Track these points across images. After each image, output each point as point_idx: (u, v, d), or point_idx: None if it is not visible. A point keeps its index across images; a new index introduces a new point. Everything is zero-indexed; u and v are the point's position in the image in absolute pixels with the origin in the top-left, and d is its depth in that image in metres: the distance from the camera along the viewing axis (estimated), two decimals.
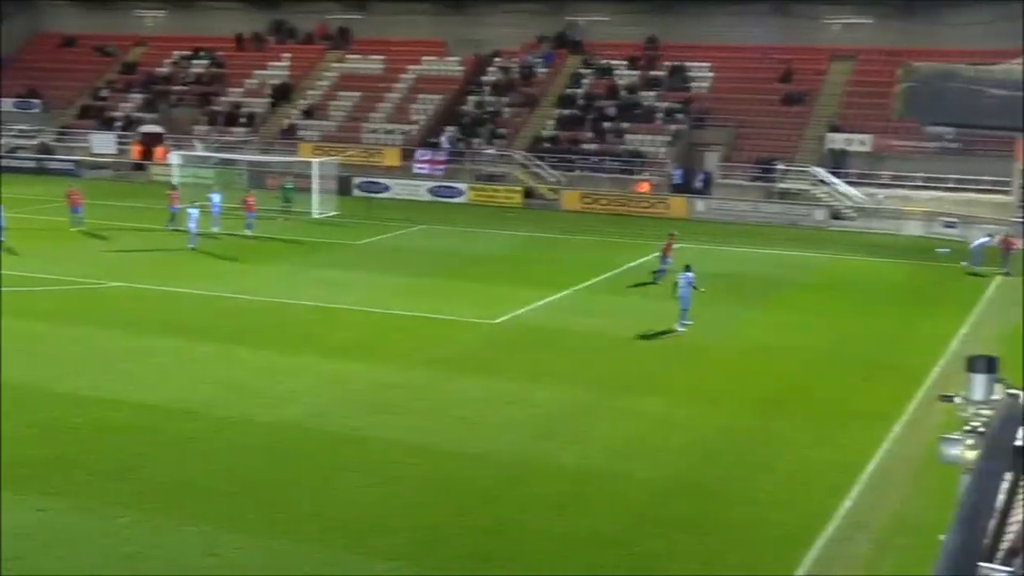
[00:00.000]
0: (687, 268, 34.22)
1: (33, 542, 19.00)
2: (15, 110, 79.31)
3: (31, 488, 21.25)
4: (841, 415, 26.28)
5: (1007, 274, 42.00)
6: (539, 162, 63.35)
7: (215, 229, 48.81)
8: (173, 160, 63.93)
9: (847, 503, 20.89)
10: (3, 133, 76.79)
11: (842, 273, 43.60)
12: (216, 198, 49.57)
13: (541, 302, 37.43)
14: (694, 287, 33.59)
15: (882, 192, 57.62)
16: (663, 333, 33.37)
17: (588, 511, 20.61)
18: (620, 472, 22.55)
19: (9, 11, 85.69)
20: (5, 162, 73.32)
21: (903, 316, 36.59)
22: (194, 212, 45.97)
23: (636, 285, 40.10)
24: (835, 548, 19.09)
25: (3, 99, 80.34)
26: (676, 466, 22.95)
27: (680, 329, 33.27)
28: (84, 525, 19.67)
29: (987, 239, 43.76)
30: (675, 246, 40.75)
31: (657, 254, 41.53)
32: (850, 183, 58.22)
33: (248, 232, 48.79)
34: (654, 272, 40.28)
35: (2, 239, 45.42)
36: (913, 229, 53.24)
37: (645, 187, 60.60)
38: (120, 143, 73.48)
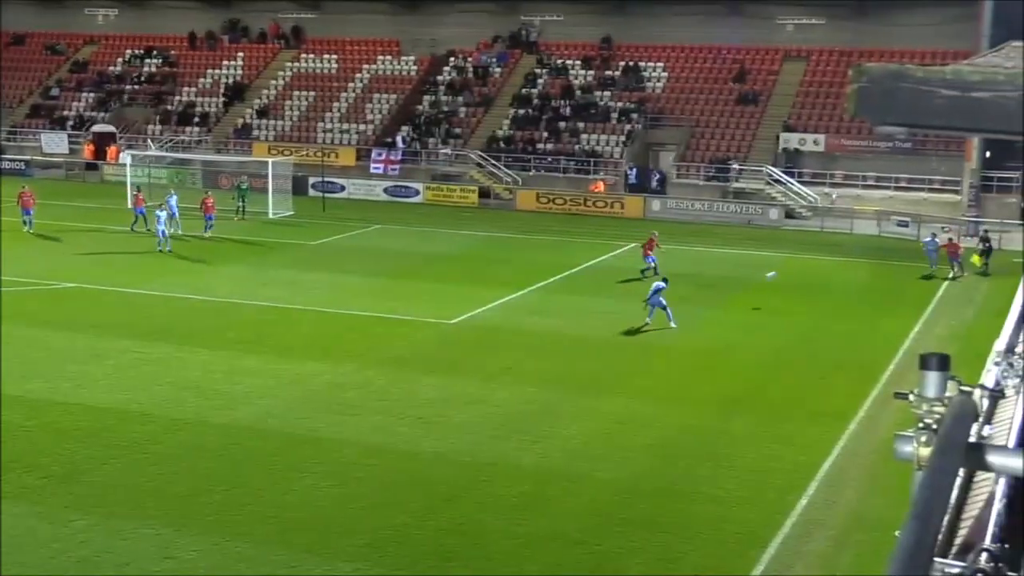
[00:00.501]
0: (664, 279, 34.78)
1: None
2: None
3: None
4: (799, 413, 26.54)
5: (955, 278, 42.22)
6: (495, 162, 63.42)
7: (177, 231, 48.22)
8: (126, 160, 63.59)
9: (804, 500, 21.12)
10: None
11: (798, 272, 43.90)
12: (173, 200, 49.08)
13: (498, 302, 37.49)
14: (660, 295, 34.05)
15: (835, 191, 58.10)
16: (634, 332, 33.55)
17: (549, 511, 20.72)
18: (581, 472, 22.67)
19: None
20: None
21: (858, 314, 36.93)
22: (162, 214, 45.83)
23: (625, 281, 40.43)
24: (793, 545, 19.31)
25: None
26: (637, 465, 23.11)
27: (673, 324, 33.62)
28: (38, 529, 19.58)
29: (930, 239, 43.82)
30: (656, 245, 41.70)
31: (637, 251, 42.26)
32: (804, 182, 58.65)
33: (207, 234, 48.48)
34: (642, 270, 40.62)
35: None
36: (866, 228, 53.64)
37: (599, 187, 60.77)
38: (72, 142, 72.90)
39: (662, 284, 34.01)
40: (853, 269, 45.10)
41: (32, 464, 22.56)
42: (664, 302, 33.58)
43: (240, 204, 54.51)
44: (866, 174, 58.25)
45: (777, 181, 58.71)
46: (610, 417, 26.07)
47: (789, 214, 57.10)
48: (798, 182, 58.56)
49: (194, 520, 20.01)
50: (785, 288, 40.47)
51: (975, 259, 43.22)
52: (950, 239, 43.98)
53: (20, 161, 71.44)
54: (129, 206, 51.30)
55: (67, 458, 22.99)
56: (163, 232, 45.53)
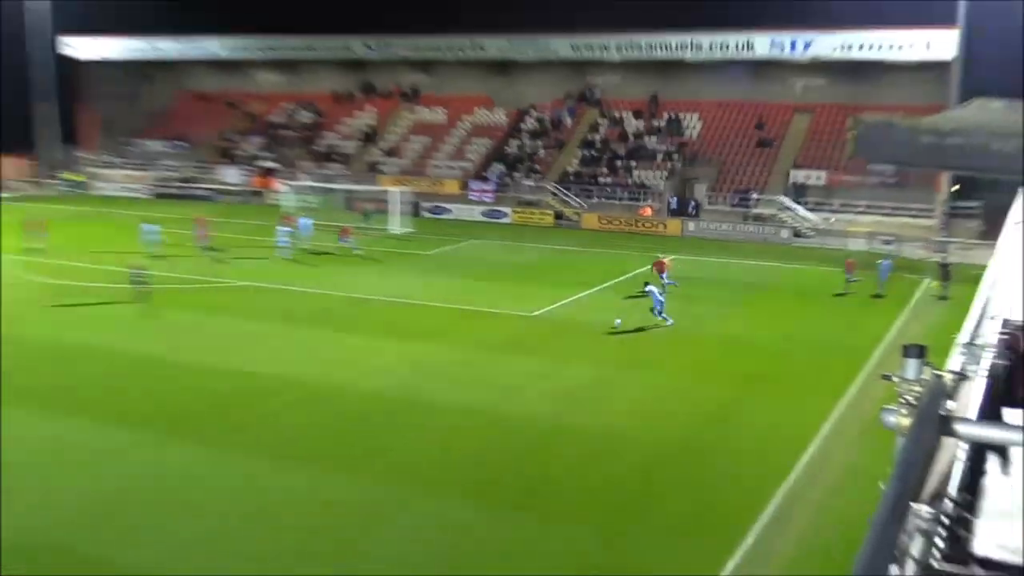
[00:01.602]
0: (647, 283, 34.53)
1: (184, 479, 19.35)
2: (165, 149, 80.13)
3: (183, 438, 21.66)
4: (802, 389, 26.29)
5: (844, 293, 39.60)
6: (566, 191, 63.42)
7: (305, 245, 48.41)
8: (282, 189, 64.50)
9: (806, 457, 20.94)
10: (156, 167, 77.68)
11: (802, 279, 43.41)
12: (305, 223, 49.43)
13: (568, 299, 37.55)
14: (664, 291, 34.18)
15: (833, 216, 57.28)
16: (657, 327, 33.46)
17: (607, 462, 20.74)
18: (632, 432, 22.67)
19: (157, 73, 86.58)
20: (159, 189, 74.38)
21: (849, 313, 36.46)
22: (286, 230, 46.97)
23: (630, 297, 38.75)
24: (797, 491, 19.17)
25: (158, 141, 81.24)
26: (675, 426, 23.05)
27: (670, 322, 32.99)
28: (221, 468, 20.01)
29: (887, 263, 41.07)
30: (668, 261, 40.22)
31: (677, 263, 41.40)
32: (809, 209, 57.92)
33: (354, 250, 47.67)
34: (663, 286, 38.39)
35: (154, 249, 46.25)
36: (858, 245, 52.91)
37: (647, 211, 60.49)
38: (243, 175, 74.08)
39: (654, 288, 33.77)
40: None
41: (219, 419, 23.00)
42: (655, 303, 33.20)
43: (365, 223, 55.44)
44: (858, 202, 57.32)
45: (787, 208, 58.01)
46: (653, 389, 26.04)
47: (797, 234, 56.41)
48: (804, 208, 57.84)
49: (336, 464, 20.28)
50: (791, 291, 40.03)
51: (934, 285, 40.11)
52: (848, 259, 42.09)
53: (206, 189, 72.82)
54: (284, 227, 51.44)
55: (244, 413, 23.42)
56: (286, 242, 46.49)
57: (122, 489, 18.81)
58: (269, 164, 73.96)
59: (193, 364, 27.55)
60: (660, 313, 33.16)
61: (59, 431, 22.00)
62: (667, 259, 40.23)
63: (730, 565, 15.95)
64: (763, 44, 62.72)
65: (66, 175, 78.31)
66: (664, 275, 38.72)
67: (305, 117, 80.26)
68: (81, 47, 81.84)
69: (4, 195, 74.97)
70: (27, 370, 26.80)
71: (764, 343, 31.47)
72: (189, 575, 15.57)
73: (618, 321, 32.69)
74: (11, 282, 39.24)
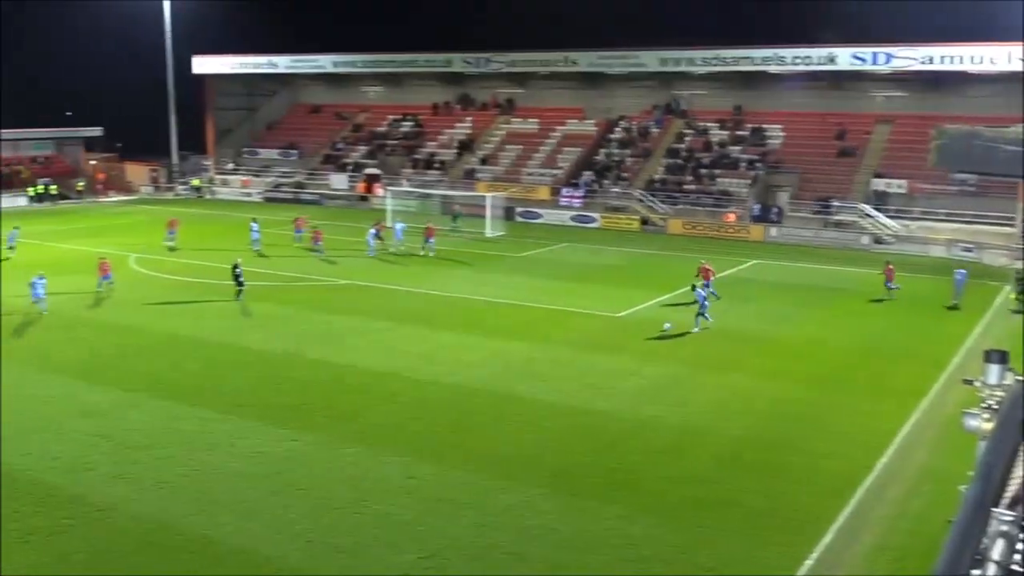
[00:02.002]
0: (693, 287, 33.42)
1: (289, 463, 19.61)
2: (279, 157, 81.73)
3: (287, 425, 21.96)
4: (879, 391, 25.42)
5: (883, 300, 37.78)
6: (652, 198, 62.75)
7: (396, 249, 48.29)
8: (383, 194, 65.15)
9: (884, 459, 20.20)
10: (270, 174, 79.36)
11: (882, 285, 41.98)
12: (399, 226, 49.71)
13: (653, 301, 37.07)
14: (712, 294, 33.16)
15: (914, 223, 55.46)
16: (749, 326, 32.74)
17: (686, 456, 20.37)
18: (710, 428, 22.22)
19: (276, 88, 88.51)
20: (270, 194, 75.95)
21: (929, 318, 35.20)
22: (373, 231, 47.73)
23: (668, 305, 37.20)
24: (874, 492, 18.48)
25: (271, 149, 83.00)
26: (753, 424, 22.51)
27: (696, 329, 31.65)
28: (322, 453, 20.21)
29: (962, 274, 38.16)
30: (712, 271, 37.96)
31: (760, 267, 39.90)
32: (889, 216, 56.19)
33: (430, 254, 47.09)
34: (712, 295, 36.52)
35: (258, 248, 47.55)
36: (938, 252, 51.12)
37: (731, 217, 59.44)
38: (350, 181, 75.12)
39: (702, 291, 32.60)
40: (926, 283, 42.94)
41: (319, 407, 23.32)
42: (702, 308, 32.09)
43: (453, 225, 55.88)
44: (938, 211, 55.38)
45: (868, 215, 56.38)
46: (732, 388, 25.49)
47: (877, 240, 54.75)
48: (885, 216, 56.15)
49: (428, 452, 20.33)
50: (871, 296, 38.86)
51: (1012, 298, 37.61)
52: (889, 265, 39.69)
53: (315, 194, 74.06)
54: (373, 230, 50.65)
55: (343, 404, 23.67)
56: (371, 243, 47.36)
57: (236, 472, 19.10)
58: (373, 171, 74.79)
59: (293, 355, 27.95)
60: (703, 315, 32.02)
61: (176, 415, 22.50)
62: (710, 265, 38.28)
63: (807, 563, 15.42)
64: (845, 57, 61.06)
65: (193, 182, 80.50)
66: (709, 283, 36.49)
67: (407, 127, 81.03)
68: (207, 64, 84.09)
69: (127, 198, 77.50)
70: (143, 358, 27.52)
71: (842, 346, 30.54)
72: (282, 558, 15.70)
73: (668, 325, 31.87)
74: (134, 277, 40.45)
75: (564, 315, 34.31)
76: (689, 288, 35.14)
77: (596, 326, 32.69)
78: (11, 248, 46.61)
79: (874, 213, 56.43)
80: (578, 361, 27.92)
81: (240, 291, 35.55)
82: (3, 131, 77.38)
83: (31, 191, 72.60)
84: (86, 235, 54.35)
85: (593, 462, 19.90)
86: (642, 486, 18.67)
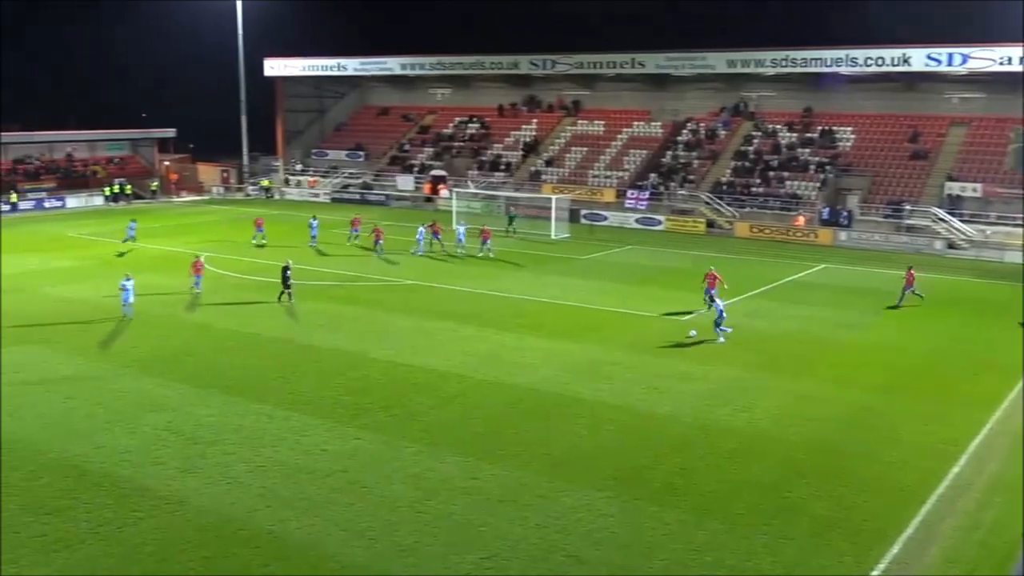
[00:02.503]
0: (711, 298, 32.04)
1: (352, 461, 19.77)
2: (346, 159, 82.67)
3: (351, 422, 22.16)
4: (951, 399, 24.76)
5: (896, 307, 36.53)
6: (719, 200, 62.07)
7: (459, 251, 48.41)
8: (446, 194, 65.42)
9: (956, 468, 19.67)
10: (338, 175, 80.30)
11: (955, 291, 41.03)
12: (462, 228, 49.73)
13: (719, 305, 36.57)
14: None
15: (989, 228, 53.98)
16: (815, 331, 32.14)
17: (750, 462, 20.06)
18: (777, 434, 21.87)
19: (345, 90, 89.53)
20: (337, 195, 76.84)
21: (1004, 326, 34.19)
22: (423, 229, 48.33)
23: (671, 314, 35.43)
24: (946, 502, 18.01)
25: (339, 150, 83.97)
26: (820, 431, 22.09)
27: (720, 340, 30.49)
28: (384, 452, 20.33)
29: None
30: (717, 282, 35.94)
31: (829, 271, 38.56)
32: (963, 221, 54.78)
33: (490, 255, 47.12)
34: (709, 304, 35.24)
35: (314, 244, 48.52)
36: (1014, 257, 49.68)
37: (801, 221, 58.50)
38: (416, 182, 75.62)
39: (722, 309, 31.11)
40: (1001, 290, 41.78)
41: (382, 406, 23.48)
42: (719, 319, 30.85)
43: (509, 228, 55.81)
44: (1015, 215, 53.85)
45: (942, 220, 55.03)
46: (798, 394, 25.05)
47: (951, 245, 53.40)
48: (959, 220, 54.76)
49: (489, 452, 20.33)
50: (944, 302, 37.90)
51: None
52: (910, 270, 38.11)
53: (382, 195, 74.74)
54: (423, 228, 50.93)
55: (407, 403, 23.80)
56: (420, 240, 48.41)
57: (300, 468, 19.33)
58: (439, 172, 75.18)
59: (356, 353, 28.21)
60: (719, 327, 30.75)
61: (242, 411, 22.87)
62: (717, 272, 36.50)
63: (874, 574, 15.08)
64: (919, 58, 59.67)
65: (263, 182, 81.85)
66: (712, 291, 35.10)
67: (473, 129, 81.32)
68: (278, 67, 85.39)
69: (199, 198, 79.07)
70: (210, 355, 28.03)
71: (913, 353, 29.83)
72: (346, 555, 15.84)
73: (693, 332, 31.12)
74: (206, 276, 41.32)
75: (627, 318, 34.08)
76: (706, 298, 34.50)
77: (659, 329, 32.41)
78: (131, 239, 48.67)
79: (947, 217, 55.07)
80: (641, 364, 27.72)
81: (285, 293, 35.53)
82: (80, 131, 79.78)
83: (107, 191, 74.58)
84: (159, 234, 55.57)
85: (655, 465, 19.71)
86: (705, 491, 18.45)
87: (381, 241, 47.68)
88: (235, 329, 31.43)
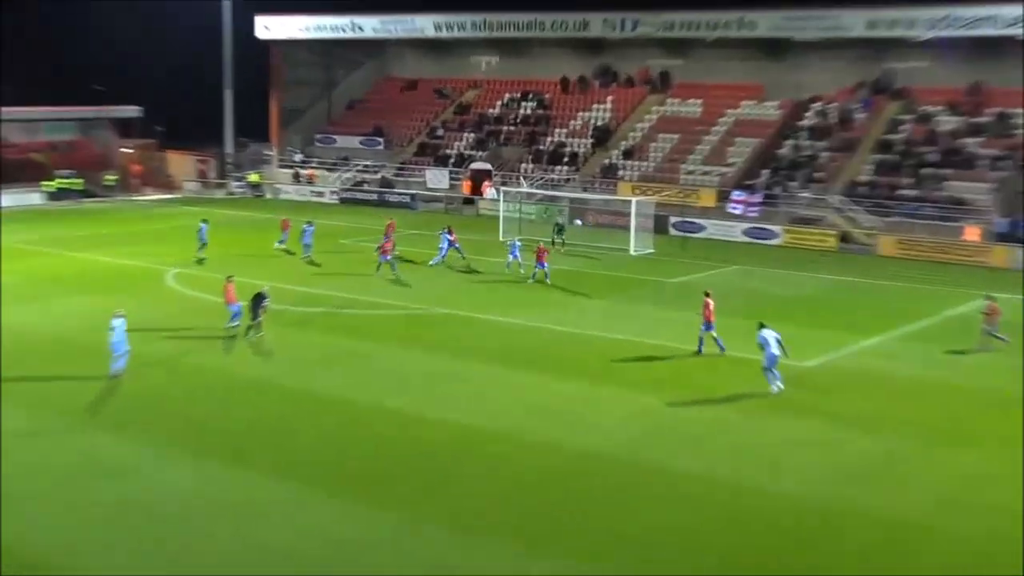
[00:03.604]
0: (762, 325, 31.01)
1: (362, 548, 19.58)
2: (361, 147, 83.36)
3: (360, 496, 22.01)
4: None
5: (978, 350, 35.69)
6: (855, 206, 61.43)
7: (510, 271, 48.33)
8: (491, 194, 65.55)
9: None
10: (350, 168, 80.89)
11: (978, 331, 39.29)
12: (516, 243, 49.20)
13: (854, 347, 36.08)
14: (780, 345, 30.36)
15: None
16: (990, 383, 31.42)
17: (905, 563, 19.53)
18: (938, 526, 21.27)
19: (362, 58, 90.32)
20: (348, 193, 77.42)
21: None
22: (443, 241, 50.07)
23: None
24: None
25: (351, 136, 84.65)
26: (993, 522, 21.41)
27: (773, 389, 30.07)
28: (403, 537, 20.12)
29: None
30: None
31: (1010, 303, 36.90)
32: None
33: (543, 278, 46.69)
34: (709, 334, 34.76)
35: (308, 254, 49.21)
36: None
37: (974, 234, 57.51)
38: (452, 178, 75.85)
39: (773, 351, 30.23)
40: None
41: (402, 476, 23.32)
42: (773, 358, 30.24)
43: (557, 237, 55.80)
44: None
45: None
46: (966, 471, 24.42)
47: None
48: None
49: (544, 539, 20.07)
50: None
51: None
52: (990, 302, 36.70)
53: (406, 195, 75.01)
54: (447, 234, 51.15)
55: (433, 472, 23.63)
56: (443, 248, 49.93)
57: (292, 554, 19.18)
58: (482, 165, 75.38)
59: (368, 404, 28.15)
60: (769, 371, 30.16)
61: (219, 478, 22.81)
62: (712, 300, 35.13)
63: None
64: None
65: (251, 177, 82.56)
66: (710, 325, 34.31)
67: (528, 109, 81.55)
68: (274, 27, 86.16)
69: (167, 197, 79.91)
70: (182, 402, 28.11)
71: None
72: None
73: (776, 388, 30.40)
74: (173, 298, 41.51)
75: (730, 362, 33.65)
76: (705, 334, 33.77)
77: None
78: (204, 245, 50.49)
79: None
80: (748, 425, 27.33)
81: (252, 326, 34.81)
82: (13, 109, 79.29)
83: (48, 186, 75.44)
84: (114, 243, 56.26)
85: (770, 561, 19.29)
86: None
87: (388, 256, 47.59)
88: (214, 368, 31.56)
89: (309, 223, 52.01)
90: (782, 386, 30.09)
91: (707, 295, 35.10)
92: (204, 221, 51.74)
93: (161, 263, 49.08)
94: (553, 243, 54.68)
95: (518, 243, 49.00)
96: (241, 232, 60.08)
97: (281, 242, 53.49)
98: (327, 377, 30.97)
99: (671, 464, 24.32)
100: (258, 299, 34.89)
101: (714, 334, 34.41)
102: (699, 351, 34.42)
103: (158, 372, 31.14)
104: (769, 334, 30.35)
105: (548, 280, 46.54)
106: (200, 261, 49.82)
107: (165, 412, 27.45)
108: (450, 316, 39.72)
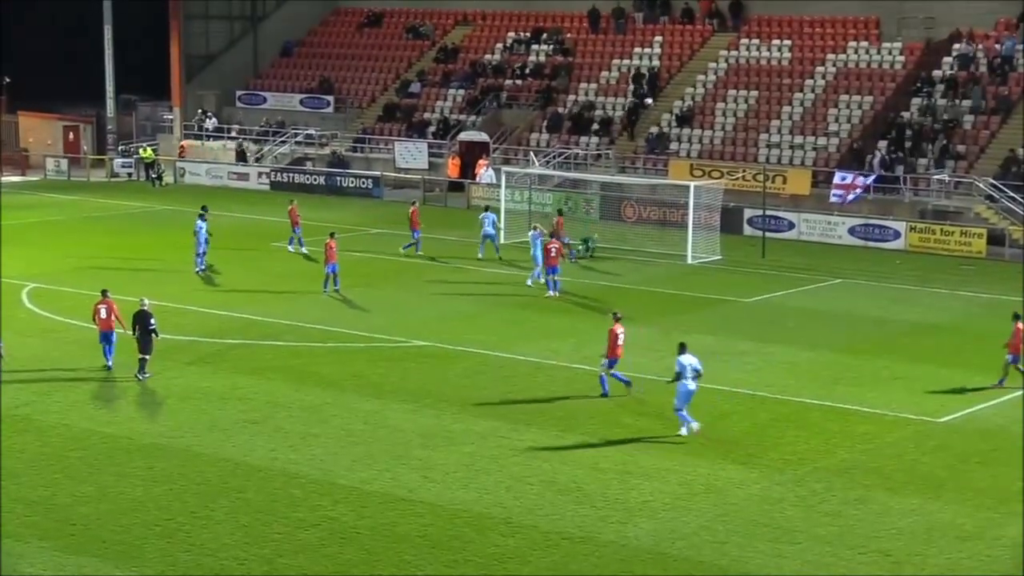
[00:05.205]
0: (683, 348, 31.88)
1: None
2: (303, 108, 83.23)
3: None
4: None
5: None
6: (1012, 194, 61.46)
7: (529, 283, 49.63)
8: (487, 177, 65.89)
9: None
10: (287, 139, 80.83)
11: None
12: (536, 238, 50.04)
13: (1008, 396, 36.16)
14: None
15: None
16: None
17: None
18: None
19: None
20: (283, 174, 76.76)
21: None
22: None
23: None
24: None
25: (288, 93, 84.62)
26: None
27: (684, 432, 31.34)
28: None
29: None
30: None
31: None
32: None
33: (552, 294, 48.12)
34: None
35: (203, 265, 50.00)
36: None
37: None
38: (433, 154, 75.76)
39: None
40: None
41: None
42: None
43: (586, 250, 56.78)
44: None
45: None
46: None
47: None
48: None
49: None
50: None
51: None
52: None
53: (366, 179, 74.73)
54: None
55: (405, 574, 23.74)
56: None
57: None
58: (476, 135, 75.39)
59: (314, 478, 28.27)
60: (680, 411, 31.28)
61: None
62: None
63: None
64: None
65: (143, 153, 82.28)
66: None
67: (542, 54, 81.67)
68: None
69: (18, 180, 79.94)
70: (19, 480, 28.21)
71: None
72: None
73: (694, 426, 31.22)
74: (32, 328, 41.75)
75: (831, 417, 33.90)
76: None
77: (896, 441, 32.20)
78: (204, 252, 51.61)
79: None
80: (861, 507, 27.46)
81: (142, 360, 35.75)
82: None
83: None
84: None
85: None
86: None
87: (336, 266, 48.07)
88: (81, 427, 31.79)
89: (202, 215, 51.72)
90: (696, 427, 31.04)
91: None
92: (202, 216, 52.06)
93: (12, 276, 48.99)
94: (576, 252, 55.02)
95: (540, 236, 49.34)
96: (132, 233, 60.17)
97: (293, 241, 54.14)
98: (248, 437, 31.12)
99: (750, 565, 24.32)
100: (142, 320, 35.28)
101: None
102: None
103: (20, 434, 31.24)
104: (689, 361, 31.21)
105: (557, 291, 47.00)
106: (205, 271, 50.77)
107: (27, 490, 27.44)
108: (428, 350, 39.90)
